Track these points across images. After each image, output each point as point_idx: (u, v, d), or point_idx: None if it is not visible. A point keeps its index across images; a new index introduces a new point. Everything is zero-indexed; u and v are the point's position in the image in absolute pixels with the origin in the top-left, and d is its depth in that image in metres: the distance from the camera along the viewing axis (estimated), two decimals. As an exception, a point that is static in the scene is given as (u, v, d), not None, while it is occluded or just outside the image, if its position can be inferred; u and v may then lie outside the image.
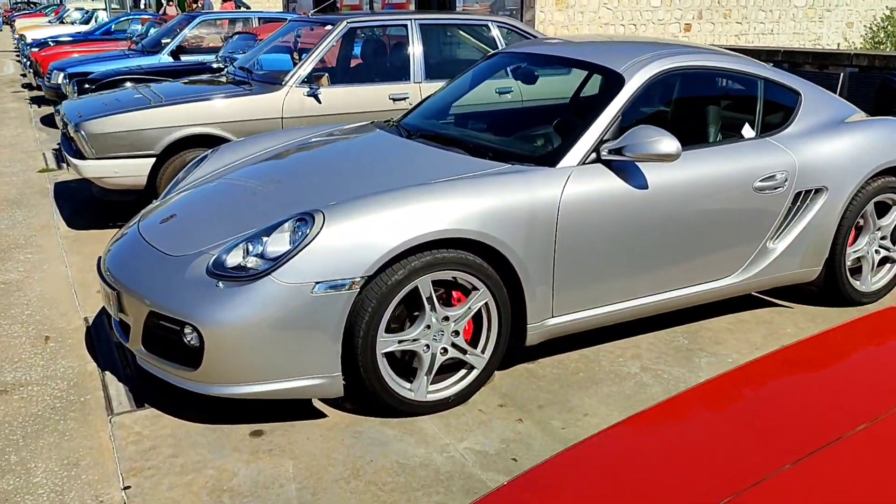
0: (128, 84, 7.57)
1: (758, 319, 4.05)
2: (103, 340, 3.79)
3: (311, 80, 5.64)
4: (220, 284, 2.83)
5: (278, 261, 2.80)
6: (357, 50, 6.37)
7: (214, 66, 8.21)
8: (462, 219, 2.96)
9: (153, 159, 5.28)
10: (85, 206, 6.23)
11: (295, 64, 6.00)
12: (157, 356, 3.00)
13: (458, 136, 3.72)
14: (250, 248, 2.91)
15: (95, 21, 21.25)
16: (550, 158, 3.31)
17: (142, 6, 33.15)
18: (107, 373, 3.46)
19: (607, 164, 3.33)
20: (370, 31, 6.40)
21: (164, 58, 9.92)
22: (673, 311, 3.74)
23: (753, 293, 4.13)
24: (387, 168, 3.44)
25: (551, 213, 3.14)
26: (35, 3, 53.39)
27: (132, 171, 5.25)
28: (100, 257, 3.48)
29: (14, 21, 29.00)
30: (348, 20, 5.85)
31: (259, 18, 10.72)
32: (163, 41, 10.56)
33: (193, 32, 10.26)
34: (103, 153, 5.17)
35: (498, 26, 6.39)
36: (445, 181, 3.10)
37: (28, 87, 15.01)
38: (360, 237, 2.83)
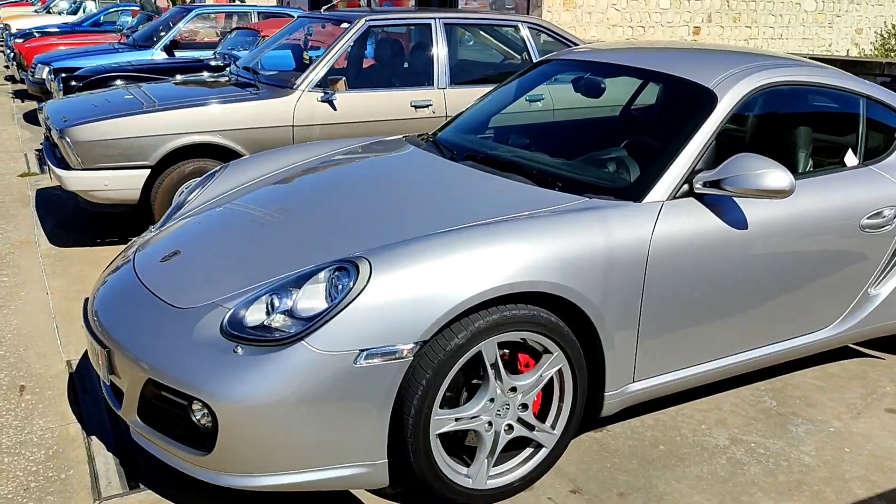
0: (118, 83, 6.96)
1: (848, 374, 3.52)
2: (89, 392, 3.20)
3: (326, 83, 5.06)
4: (239, 349, 2.26)
5: (313, 322, 2.23)
6: (375, 51, 5.79)
7: (213, 63, 7.62)
8: (536, 267, 2.40)
9: (148, 171, 4.69)
10: (70, 217, 5.62)
11: (306, 65, 5.43)
12: (157, 432, 2.43)
13: (514, 160, 3.15)
14: (276, 302, 2.34)
15: (83, 12, 20.54)
16: (635, 191, 2.75)
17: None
18: (93, 438, 2.87)
19: (699, 197, 2.78)
20: (390, 30, 5.82)
21: (158, 53, 9.33)
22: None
23: (841, 342, 3.59)
24: (434, 199, 2.87)
25: (639, 259, 2.59)
26: (21, -8, 52.28)
27: (124, 183, 4.65)
28: (86, 299, 2.90)
29: (-1, 10, 28.12)
30: (367, 17, 5.27)
31: (259, 13, 10.11)
32: (155, 35, 9.97)
33: (189, 27, 9.66)
34: (91, 163, 4.57)
35: (528, 27, 5.84)
36: (511, 220, 2.54)
37: (11, 79, 14.31)
38: (414, 292, 2.26)
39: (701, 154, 2.81)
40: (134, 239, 3.32)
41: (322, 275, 2.35)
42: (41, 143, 8.19)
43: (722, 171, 2.70)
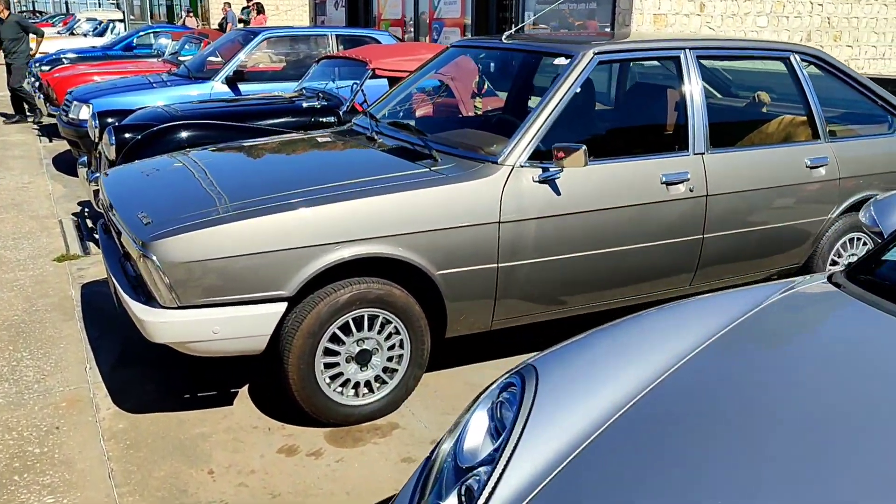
0: (184, 134, 5.12)
1: None
2: None
3: (544, 153, 3.24)
4: None
5: None
6: (605, 100, 3.97)
7: (305, 104, 5.82)
8: None
9: (284, 304, 2.86)
10: (135, 342, 3.80)
11: (488, 121, 3.63)
12: None
13: None
14: None
15: (111, 33, 18.91)
16: None
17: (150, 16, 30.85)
18: None
19: None
20: (625, 67, 3.99)
21: (218, 86, 7.58)
22: None
23: None
24: None
25: None
26: (41, 13, 51.25)
27: (245, 327, 2.83)
28: None
29: (19, 31, 26.58)
30: (595, 49, 3.44)
31: (337, 36, 8.33)
32: (208, 62, 8.23)
33: (254, 55, 7.90)
34: (193, 298, 2.75)
35: (801, 57, 4.00)
36: None
37: (32, 110, 12.60)
38: None
39: None
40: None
41: None
42: (79, 207, 6.45)
43: None
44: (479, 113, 4.54)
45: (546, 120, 3.27)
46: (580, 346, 1.82)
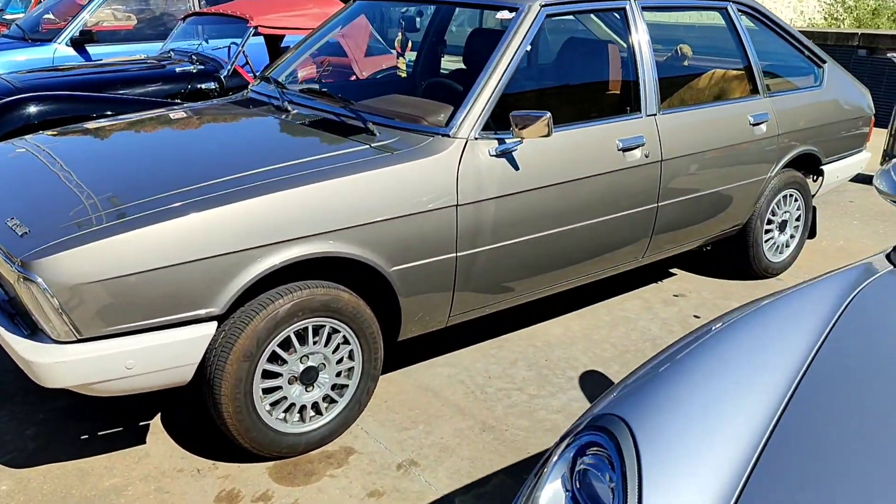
0: (32, 109, 4.31)
1: None
2: None
3: (499, 123, 2.82)
4: None
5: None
6: (554, 59, 3.55)
7: (178, 69, 5.08)
8: None
9: (214, 324, 2.32)
10: (9, 366, 3.10)
11: (409, 81, 3.18)
12: None
13: None
14: None
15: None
16: None
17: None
18: None
19: None
20: (571, 21, 3.60)
21: (62, 49, 6.61)
22: None
23: None
24: None
25: None
26: None
27: (167, 357, 2.26)
28: None
29: None
30: (541, 0, 3.03)
31: (198, -10, 7.46)
32: (44, 20, 7.20)
33: (104, 12, 6.93)
34: (97, 328, 2.15)
35: (738, 8, 3.78)
36: None
37: None
38: None
39: None
40: None
41: None
42: None
43: None
44: (403, 75, 4.05)
45: (498, 84, 2.84)
46: (663, 381, 1.44)
